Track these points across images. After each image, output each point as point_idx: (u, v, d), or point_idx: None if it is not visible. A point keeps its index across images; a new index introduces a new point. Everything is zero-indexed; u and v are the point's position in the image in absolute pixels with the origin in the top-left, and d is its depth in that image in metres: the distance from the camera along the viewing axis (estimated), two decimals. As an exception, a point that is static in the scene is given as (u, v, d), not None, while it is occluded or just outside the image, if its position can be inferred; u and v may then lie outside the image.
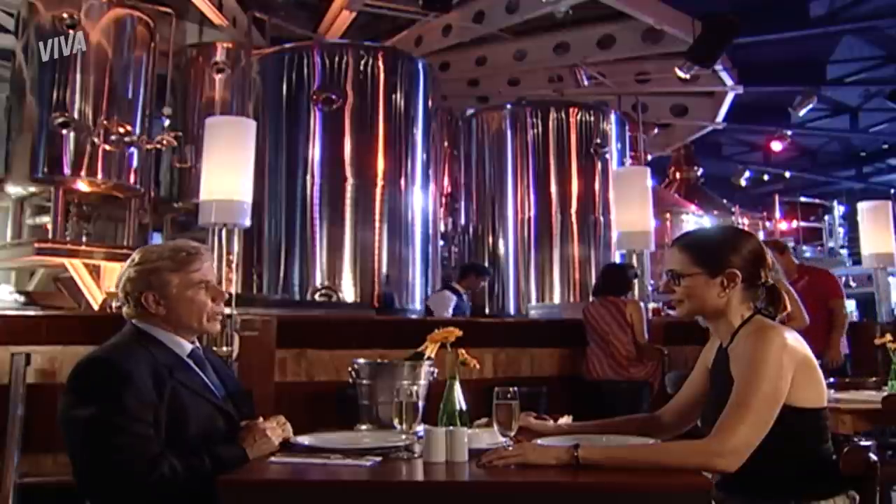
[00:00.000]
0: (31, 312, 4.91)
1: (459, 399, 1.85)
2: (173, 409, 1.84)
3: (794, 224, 13.40)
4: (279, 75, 6.44)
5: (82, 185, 6.23)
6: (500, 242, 7.68)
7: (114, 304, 4.79)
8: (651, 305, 6.06)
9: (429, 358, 2.12)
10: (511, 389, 1.83)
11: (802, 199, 14.09)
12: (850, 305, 18.06)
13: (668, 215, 10.43)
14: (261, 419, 2.00)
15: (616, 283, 5.14)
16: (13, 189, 6.40)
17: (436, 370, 2.24)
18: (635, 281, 5.50)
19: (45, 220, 6.39)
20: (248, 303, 4.76)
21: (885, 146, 16.54)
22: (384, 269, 6.16)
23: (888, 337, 3.62)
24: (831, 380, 3.85)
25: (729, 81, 9.18)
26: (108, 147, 6.20)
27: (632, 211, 6.10)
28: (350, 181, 6.22)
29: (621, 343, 4.88)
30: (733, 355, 1.88)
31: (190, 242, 2.08)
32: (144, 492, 1.74)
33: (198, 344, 2.06)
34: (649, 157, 9.65)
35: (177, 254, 2.00)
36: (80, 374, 1.85)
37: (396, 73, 6.55)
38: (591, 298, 5.26)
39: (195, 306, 1.99)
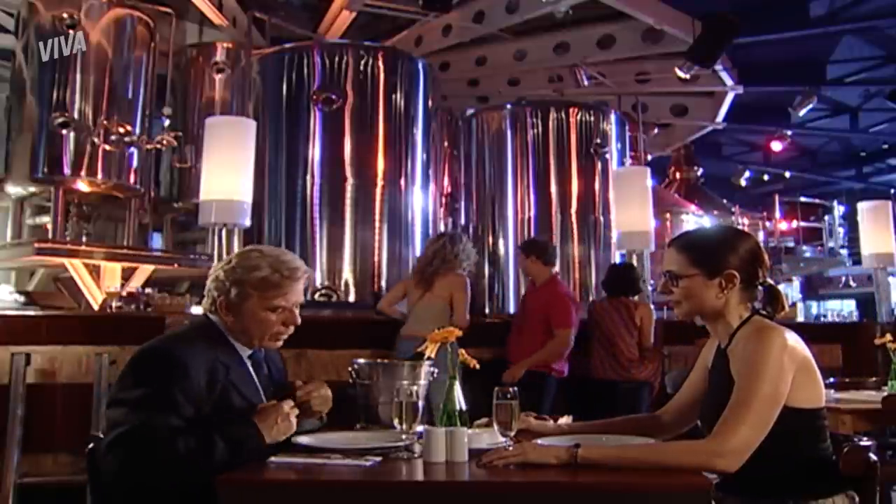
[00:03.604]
0: (31, 312, 4.92)
1: (459, 399, 1.85)
2: (219, 409, 1.87)
3: (794, 224, 13.38)
4: (279, 75, 6.44)
5: (82, 185, 6.23)
6: (500, 242, 7.68)
7: (114, 304, 4.80)
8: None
9: (429, 358, 2.13)
10: (511, 389, 1.83)
11: (802, 199, 14.06)
12: (850, 305, 18.18)
13: (668, 215, 10.42)
14: (298, 382, 2.07)
15: (627, 283, 5.11)
16: (13, 189, 6.40)
17: (436, 370, 2.24)
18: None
19: (45, 220, 6.39)
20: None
21: (885, 146, 16.55)
22: (384, 270, 6.15)
23: (888, 337, 3.62)
24: (831, 380, 3.86)
25: (729, 81, 9.18)
26: (108, 147, 6.20)
27: (632, 211, 6.12)
28: (350, 181, 6.22)
29: (626, 345, 4.87)
30: (732, 356, 1.88)
31: (292, 262, 2.05)
32: (157, 472, 1.75)
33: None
34: (649, 157, 9.65)
35: (272, 273, 1.99)
36: (138, 359, 1.90)
37: (396, 73, 6.54)
38: (601, 295, 5.23)
39: (263, 326, 2.01)
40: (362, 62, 6.41)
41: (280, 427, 1.89)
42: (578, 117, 7.78)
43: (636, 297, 5.11)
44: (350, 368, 2.30)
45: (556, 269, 5.09)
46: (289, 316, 2.03)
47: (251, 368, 2.04)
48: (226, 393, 1.90)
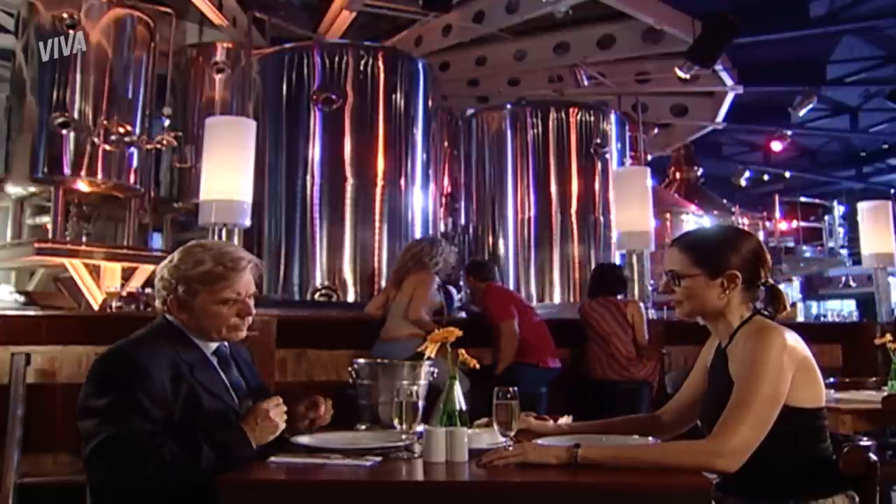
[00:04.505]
0: (31, 312, 4.91)
1: (459, 399, 1.85)
2: (188, 408, 1.85)
3: (794, 224, 13.37)
4: (279, 75, 6.44)
5: (82, 185, 6.23)
6: (500, 242, 7.68)
7: (114, 304, 4.79)
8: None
9: (429, 358, 2.13)
10: (511, 389, 1.83)
11: (802, 199, 14.05)
12: (850, 305, 18.17)
13: (668, 215, 10.42)
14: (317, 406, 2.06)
15: (613, 282, 5.15)
16: (13, 189, 6.40)
17: (436, 370, 2.24)
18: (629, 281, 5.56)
19: (45, 220, 6.39)
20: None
21: (885, 146, 16.54)
22: (384, 270, 6.16)
23: (888, 337, 3.62)
24: (831, 380, 3.86)
25: (729, 81, 9.18)
26: (108, 147, 6.20)
27: (632, 211, 6.12)
28: (350, 181, 6.22)
29: (622, 343, 4.89)
30: (732, 355, 1.88)
31: (235, 252, 2.03)
32: (145, 481, 1.74)
33: (225, 342, 2.06)
34: (649, 157, 9.65)
35: (215, 266, 1.97)
36: (98, 366, 1.88)
37: (396, 73, 6.54)
38: (586, 299, 5.27)
39: (218, 319, 1.98)
40: (362, 62, 6.41)
41: (263, 426, 1.87)
42: (578, 117, 7.78)
43: (623, 296, 5.15)
44: (350, 368, 2.29)
45: (498, 282, 5.39)
46: (242, 307, 2.00)
47: (217, 365, 2.02)
48: (193, 392, 1.87)
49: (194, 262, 1.98)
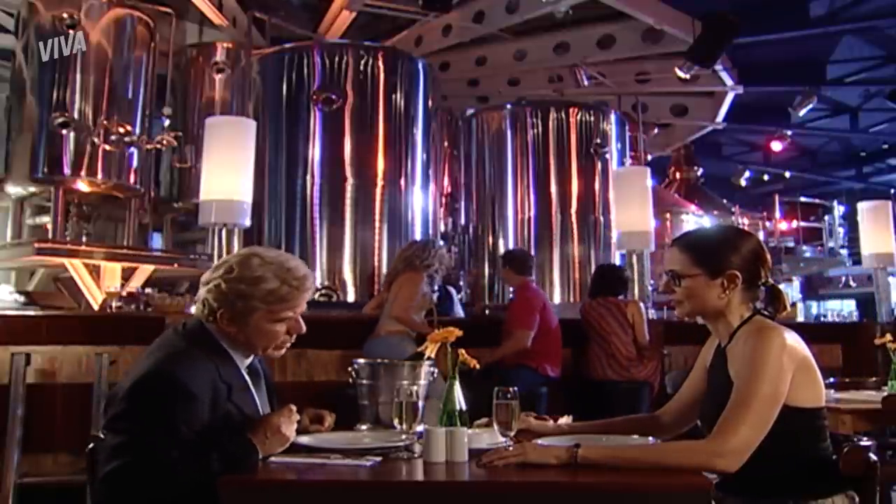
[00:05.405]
0: (31, 312, 4.92)
1: (459, 399, 1.85)
2: (219, 431, 1.79)
3: (794, 224, 13.38)
4: (279, 75, 6.45)
5: (82, 185, 6.23)
6: (500, 242, 7.68)
7: (114, 304, 4.79)
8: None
9: (429, 358, 2.12)
10: (511, 389, 1.83)
11: (802, 199, 14.06)
12: (850, 305, 18.17)
13: (668, 215, 10.43)
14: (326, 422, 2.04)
15: (614, 283, 5.16)
16: (13, 189, 6.40)
17: (436, 370, 2.24)
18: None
19: (45, 220, 6.39)
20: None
21: (885, 146, 16.55)
22: (384, 270, 6.17)
23: (888, 337, 3.62)
24: (831, 380, 3.86)
25: (729, 81, 9.18)
26: (108, 147, 6.20)
27: (632, 211, 6.12)
28: (350, 181, 6.23)
29: (622, 343, 4.89)
30: (731, 355, 1.88)
31: (298, 269, 1.93)
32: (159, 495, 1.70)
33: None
34: (649, 157, 9.65)
35: (280, 285, 1.88)
36: (140, 385, 1.76)
37: (396, 73, 6.55)
38: (587, 299, 5.26)
39: (269, 337, 1.92)
40: (362, 62, 6.42)
41: (273, 440, 1.81)
42: (578, 117, 7.79)
43: (623, 297, 5.16)
44: (350, 368, 2.29)
45: (532, 277, 5.16)
46: (294, 325, 1.95)
47: (250, 381, 1.97)
48: (228, 415, 1.83)
49: (256, 279, 1.88)
